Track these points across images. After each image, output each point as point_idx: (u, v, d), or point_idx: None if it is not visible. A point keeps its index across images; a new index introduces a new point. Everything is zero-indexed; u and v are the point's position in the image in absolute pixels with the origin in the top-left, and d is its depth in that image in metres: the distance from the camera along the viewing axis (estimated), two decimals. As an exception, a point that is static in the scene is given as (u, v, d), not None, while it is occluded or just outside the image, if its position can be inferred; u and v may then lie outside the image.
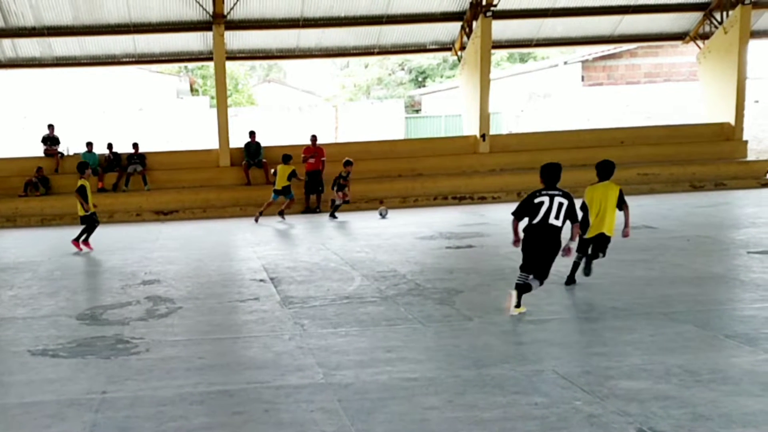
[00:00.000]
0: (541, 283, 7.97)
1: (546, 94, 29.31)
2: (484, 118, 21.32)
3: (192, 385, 5.89)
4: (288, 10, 20.90)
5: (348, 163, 17.83)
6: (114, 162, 20.62)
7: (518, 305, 7.76)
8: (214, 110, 22.64)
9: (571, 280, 9.27)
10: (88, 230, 14.16)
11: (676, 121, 24.43)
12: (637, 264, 10.28)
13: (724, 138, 22.06)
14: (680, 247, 11.61)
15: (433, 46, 23.46)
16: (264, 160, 20.43)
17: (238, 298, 9.14)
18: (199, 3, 19.98)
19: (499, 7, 20.49)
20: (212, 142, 21.99)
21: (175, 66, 35.51)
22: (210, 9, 20.05)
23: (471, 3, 21.03)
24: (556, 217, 7.76)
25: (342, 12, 21.18)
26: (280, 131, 29.49)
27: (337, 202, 17.77)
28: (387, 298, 8.71)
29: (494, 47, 21.98)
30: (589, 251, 9.15)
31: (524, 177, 19.89)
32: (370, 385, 5.74)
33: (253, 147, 20.57)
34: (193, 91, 40.81)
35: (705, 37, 22.91)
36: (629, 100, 26.80)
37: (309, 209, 19.33)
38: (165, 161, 21.27)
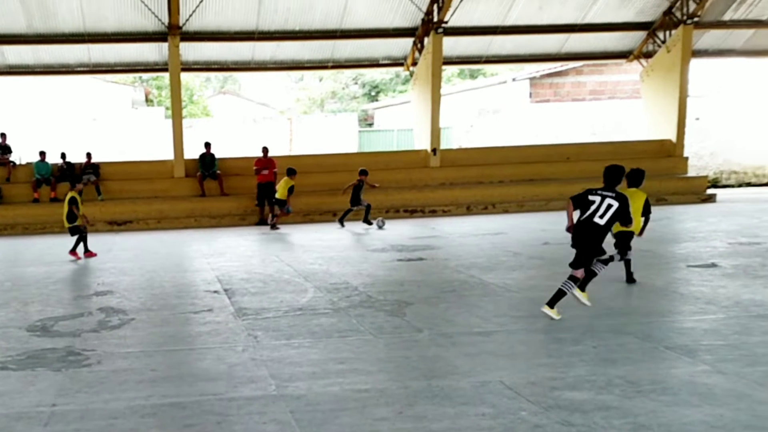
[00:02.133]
0: (573, 279, 8.03)
1: (495, 110, 29.57)
2: (435, 132, 21.44)
3: (144, 397, 5.81)
4: (243, 23, 20.81)
5: (363, 173, 18.01)
6: (67, 172, 20.27)
7: (552, 307, 7.95)
8: (169, 121, 22.42)
9: (630, 279, 9.86)
10: (83, 239, 13.98)
11: (620, 137, 24.81)
12: (581, 277, 10.39)
13: (666, 154, 22.46)
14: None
15: (386, 61, 23.55)
16: (218, 172, 20.28)
17: (192, 310, 9.05)
18: (154, 14, 19.79)
19: (450, 24, 20.64)
20: (167, 153, 21.75)
21: (130, 76, 35.10)
22: (165, 20, 19.87)
23: (423, 19, 21.16)
24: (601, 216, 7.95)
25: (297, 26, 21.16)
26: (235, 143, 29.30)
27: (354, 209, 18.05)
28: (339, 310, 8.70)
29: (445, 63, 22.13)
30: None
31: (474, 191, 20.08)
32: (322, 396, 5.72)
33: (208, 158, 20.41)
34: (148, 101, 40.35)
35: (648, 55, 23.33)
36: (575, 117, 27.16)
37: (263, 221, 19.22)
38: (119, 171, 20.98)
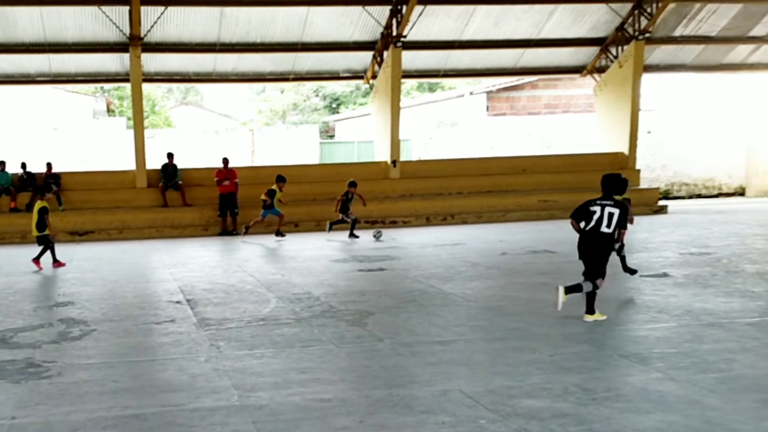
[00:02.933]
0: (595, 285, 8.35)
1: (453, 123, 29.74)
2: (395, 144, 21.49)
3: (105, 409, 5.72)
4: (205, 35, 20.68)
5: (352, 185, 17.80)
6: (28, 182, 19.94)
7: (592, 312, 8.31)
8: (131, 131, 22.17)
9: (629, 270, 10.86)
10: (50, 249, 13.75)
11: (574, 150, 25.07)
12: (537, 287, 10.49)
13: (619, 167, 22.68)
14: (578, 270, 11.74)
15: (346, 74, 23.56)
16: (181, 182, 20.09)
17: (154, 320, 8.95)
18: (115, 24, 19.58)
19: (409, 38, 20.72)
20: (129, 164, 21.50)
21: (92, 86, 34.66)
22: (127, 31, 19.65)
23: (382, 33, 21.22)
24: (608, 226, 8.27)
25: (258, 38, 21.08)
26: (197, 154, 29.08)
27: (348, 219, 17.70)
28: (301, 320, 8.67)
29: (404, 76, 22.21)
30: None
31: (433, 202, 20.15)
32: (284, 406, 5.69)
33: (170, 169, 20.21)
34: (109, 111, 39.84)
35: (601, 70, 23.62)
36: (531, 130, 27.40)
37: (225, 231, 19.08)
38: (80, 181, 20.67)
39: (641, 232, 17.06)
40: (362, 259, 13.85)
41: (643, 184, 23.29)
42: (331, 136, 42.64)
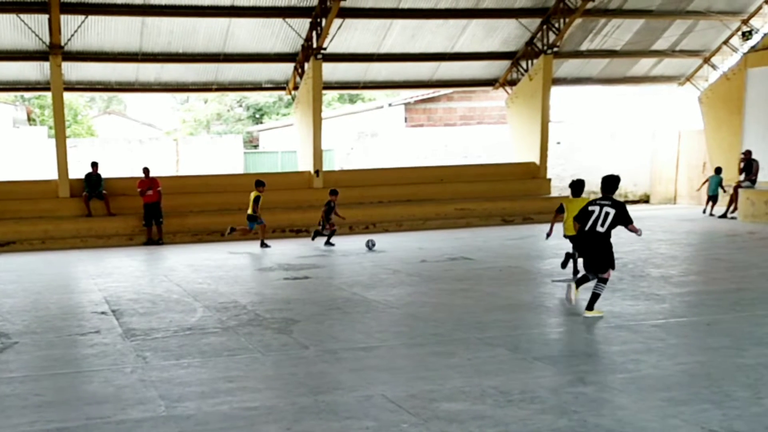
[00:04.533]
0: (603, 281, 8.65)
1: (373, 134, 29.82)
2: (318, 154, 21.41)
3: (28, 423, 5.54)
4: (126, 44, 20.19)
5: (333, 193, 17.42)
6: (-54, 192, 19.13)
7: (591, 308, 8.64)
8: (53, 140, 21.49)
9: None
10: None
11: (489, 160, 25.41)
12: (456, 293, 10.62)
13: (531, 176, 23.19)
14: (493, 276, 12.09)
15: (269, 85, 23.38)
16: (105, 192, 19.57)
17: (79, 332, 8.70)
18: (35, 33, 18.95)
19: (329, 51, 20.66)
20: (51, 173, 20.83)
21: (11, 95, 33.46)
22: (46, 39, 19.04)
23: (303, 45, 21.13)
24: (602, 225, 8.53)
25: (180, 48, 20.72)
26: (120, 163, 28.38)
27: (325, 232, 17.19)
28: (228, 329, 8.56)
29: (325, 88, 22.14)
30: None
31: (355, 211, 20.11)
32: (211, 415, 5.62)
33: (94, 178, 19.64)
34: (30, 120, 38.59)
35: (513, 83, 23.98)
36: (447, 141, 27.65)
37: (151, 241, 18.67)
38: (1, 191, 19.87)
39: (553, 239, 17.37)
40: (288, 267, 13.76)
41: (554, 193, 23.73)
42: (255, 146, 42.26)
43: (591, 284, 8.78)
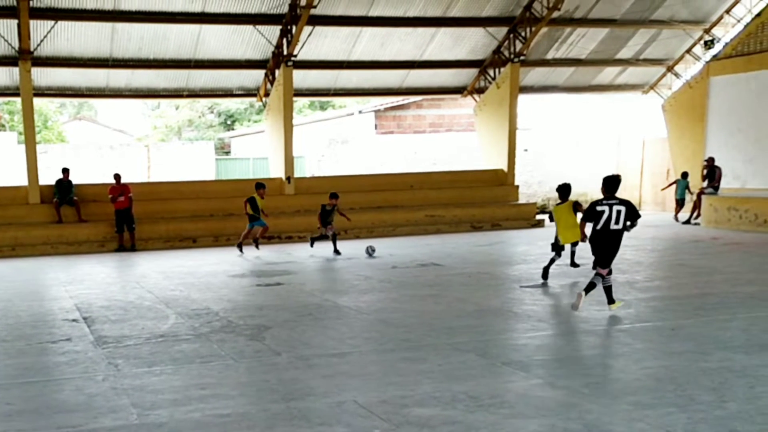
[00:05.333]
0: (600, 275, 9.03)
1: (344, 140, 29.80)
2: (289, 161, 21.35)
3: (-1, 432, 5.46)
4: (96, 50, 19.98)
5: (334, 196, 16.92)
6: None
7: (612, 301, 9.05)
8: (23, 146, 21.19)
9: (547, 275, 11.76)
10: None
11: (458, 167, 25.49)
12: (426, 299, 10.63)
13: (499, 183, 23.29)
14: (463, 282, 12.13)
15: (240, 92, 23.29)
16: (75, 198, 19.34)
17: (50, 339, 8.58)
18: (4, 38, 18.69)
19: (300, 58, 20.63)
20: (21, 179, 20.53)
21: (-19, 101, 33.02)
22: (16, 44, 18.80)
23: (273, 52, 21.08)
24: (616, 223, 8.79)
25: (151, 54, 20.55)
26: (91, 169, 28.05)
27: (328, 234, 16.56)
28: (201, 336, 8.50)
29: (296, 95, 22.07)
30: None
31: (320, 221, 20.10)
32: (183, 423, 5.57)
33: (65, 184, 19.41)
34: None
35: (481, 91, 24.09)
36: (417, 148, 27.72)
37: (122, 247, 18.48)
38: (-31, 198, 19.60)
39: (521, 245, 17.53)
40: (260, 274, 13.70)
41: (522, 200, 23.91)
42: (227, 153, 42.04)
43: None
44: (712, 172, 20.84)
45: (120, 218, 18.43)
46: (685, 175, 21.99)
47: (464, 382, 6.38)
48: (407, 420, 5.47)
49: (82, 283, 13.15)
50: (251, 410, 5.84)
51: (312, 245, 17.09)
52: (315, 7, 18.73)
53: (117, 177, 18.95)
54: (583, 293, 8.98)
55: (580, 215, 11.12)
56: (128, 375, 6.92)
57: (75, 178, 19.78)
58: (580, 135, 27.88)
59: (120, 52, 20.25)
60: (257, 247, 17.27)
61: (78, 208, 19.13)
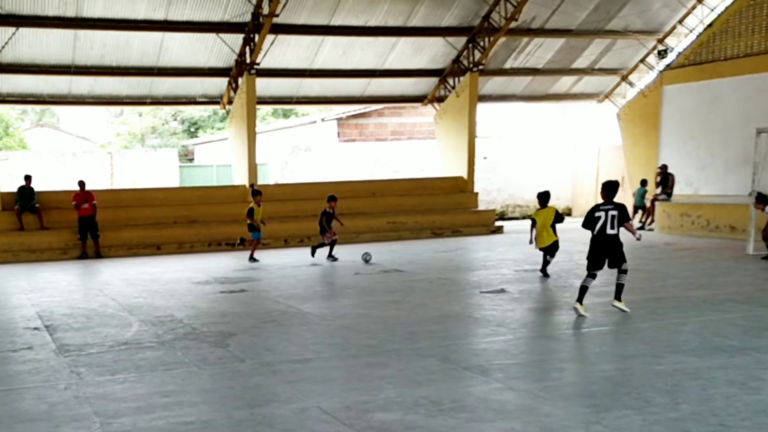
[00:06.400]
0: (624, 272, 9.32)
1: (307, 148, 29.72)
2: (252, 168, 21.21)
3: (-41, 443, 5.34)
4: (59, 56, 19.70)
5: (332, 199, 16.32)
6: None
7: (581, 302, 9.24)
8: (-16, 154, 20.84)
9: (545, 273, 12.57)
10: None
11: (419, 174, 25.57)
12: (388, 304, 10.64)
13: (459, 190, 23.40)
14: (424, 288, 12.16)
15: (203, 99, 23.15)
16: (38, 205, 19.00)
17: (10, 348, 8.41)
18: (-36, 45, 18.43)
19: (263, 66, 20.53)
20: (-18, 187, 20.12)
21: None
22: (-24, 51, 18.53)
23: (236, 60, 20.97)
24: (612, 227, 9.08)
25: (114, 61, 20.32)
26: (54, 176, 27.63)
27: (326, 242, 16.10)
28: (164, 343, 8.40)
29: (259, 103, 21.97)
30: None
31: (290, 224, 20.03)
32: (147, 431, 5.50)
33: (27, 192, 19.06)
34: (-40, 133, 37.33)
35: (441, 100, 24.21)
36: (379, 155, 27.75)
37: (85, 255, 18.20)
38: (-70, 205, 19.15)
39: (481, 251, 17.64)
40: (224, 280, 13.59)
41: (481, 206, 24.03)
42: (191, 160, 41.66)
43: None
44: (666, 179, 21.19)
45: (83, 225, 18.17)
46: (644, 182, 22.30)
47: (426, 387, 6.39)
48: (370, 425, 5.47)
49: (44, 290, 12.91)
50: (215, 417, 5.79)
51: (313, 254, 16.34)
52: (277, 15, 18.70)
53: (81, 184, 18.67)
54: (618, 303, 9.34)
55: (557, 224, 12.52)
56: (91, 383, 6.81)
57: (37, 185, 19.44)
58: (537, 143, 28.16)
59: (82, 59, 20.00)
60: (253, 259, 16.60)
61: (40, 216, 18.81)
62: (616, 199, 9.28)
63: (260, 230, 16.73)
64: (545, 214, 12.55)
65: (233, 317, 9.93)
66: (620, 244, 9.26)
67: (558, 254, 13.00)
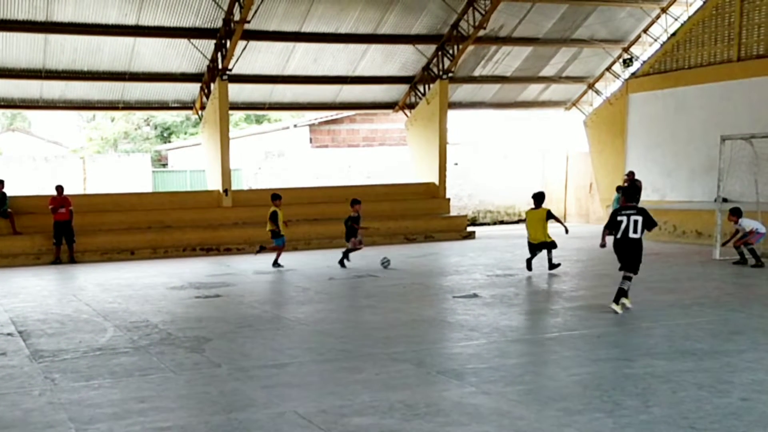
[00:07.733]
0: (628, 278, 9.58)
1: (280, 153, 29.60)
2: (226, 174, 21.08)
3: (-67, 451, 5.23)
4: (29, 61, 19.43)
5: (355, 202, 15.90)
6: None
7: (617, 301, 9.53)
8: (-45, 159, 20.48)
9: (552, 266, 13.41)
10: None
11: (391, 180, 25.58)
12: (363, 309, 10.64)
13: (431, 196, 23.45)
14: (398, 293, 12.15)
15: (176, 105, 22.97)
16: (9, 210, 18.70)
17: (-16, 354, 8.27)
18: (-67, 49, 18.12)
19: (235, 72, 20.41)
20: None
21: None
22: (-55, 54, 18.23)
23: (208, 66, 20.84)
24: (634, 232, 9.32)
25: (85, 66, 20.08)
26: (25, 181, 27.20)
27: (354, 247, 15.78)
28: (140, 348, 8.30)
29: (232, 108, 21.85)
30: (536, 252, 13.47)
31: (265, 230, 19.83)
32: (124, 437, 5.44)
33: (-1, 196, 18.79)
34: (-70, 138, 36.63)
35: (411, 106, 24.28)
36: (351, 161, 27.74)
37: (59, 260, 17.94)
38: None
39: (453, 256, 17.67)
40: (199, 286, 13.46)
41: (453, 212, 24.09)
42: (164, 165, 41.29)
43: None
44: (633, 187, 21.33)
45: (59, 230, 17.92)
46: (619, 189, 22.43)
47: (401, 391, 6.38)
48: (346, 429, 5.45)
49: (17, 296, 12.70)
50: (192, 422, 5.73)
51: (344, 265, 15.68)
52: (249, 22, 18.63)
53: (59, 189, 18.45)
54: (623, 302, 9.52)
55: (555, 222, 13.42)
56: (66, 389, 6.71)
57: (9, 190, 19.14)
58: (507, 149, 28.32)
59: (53, 64, 19.76)
60: (259, 252, 16.20)
61: (12, 221, 18.51)
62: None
63: (284, 236, 15.91)
64: (538, 214, 13.44)
65: (209, 322, 9.85)
66: (640, 249, 9.48)
67: (534, 260, 13.29)
